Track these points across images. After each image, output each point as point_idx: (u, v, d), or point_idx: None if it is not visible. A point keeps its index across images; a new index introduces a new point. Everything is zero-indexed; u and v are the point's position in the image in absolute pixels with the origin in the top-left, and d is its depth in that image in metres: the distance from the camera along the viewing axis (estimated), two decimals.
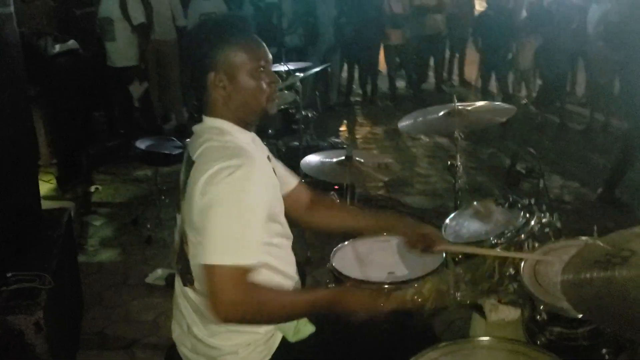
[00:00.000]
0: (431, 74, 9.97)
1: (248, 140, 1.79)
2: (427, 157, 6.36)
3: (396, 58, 9.14)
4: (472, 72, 9.74)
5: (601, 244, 1.65)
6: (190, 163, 1.70)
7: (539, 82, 7.96)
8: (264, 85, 1.75)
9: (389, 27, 8.58)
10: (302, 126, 4.32)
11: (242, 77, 1.72)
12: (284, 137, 4.33)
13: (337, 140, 4.46)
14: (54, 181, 5.29)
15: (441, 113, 2.75)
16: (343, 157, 2.63)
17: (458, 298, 2.33)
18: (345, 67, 9.12)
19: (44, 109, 5.35)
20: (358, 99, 9.19)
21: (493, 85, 8.48)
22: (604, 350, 1.86)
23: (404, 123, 2.80)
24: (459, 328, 2.42)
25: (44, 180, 5.09)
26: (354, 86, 9.23)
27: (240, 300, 1.54)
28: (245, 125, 1.78)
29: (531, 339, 1.98)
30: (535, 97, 7.83)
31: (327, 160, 2.70)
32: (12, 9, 2.76)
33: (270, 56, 1.81)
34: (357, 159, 2.61)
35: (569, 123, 7.39)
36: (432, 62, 9.78)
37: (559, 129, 7.22)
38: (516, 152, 2.41)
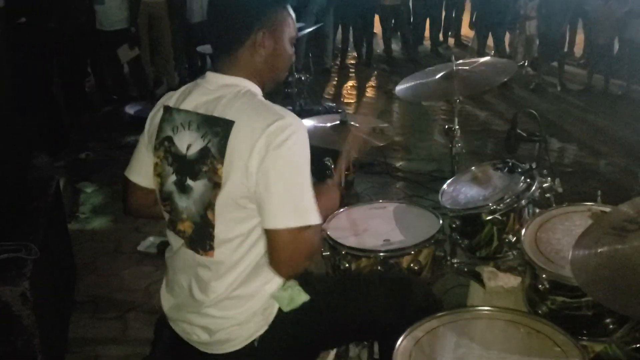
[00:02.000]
0: (427, 35, 9.79)
1: None
2: (423, 120, 6.27)
3: (391, 20, 8.96)
4: (470, 33, 9.58)
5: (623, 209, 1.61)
6: (224, 123, 1.57)
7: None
8: (290, 56, 1.72)
9: None
10: (296, 90, 4.22)
11: (284, 43, 1.68)
12: (277, 100, 4.21)
13: (331, 104, 4.35)
14: None
15: (438, 76, 2.64)
16: (337, 122, 2.54)
17: (455, 265, 2.30)
18: (340, 30, 8.95)
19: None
20: (353, 62, 9.03)
21: (490, 48, 8.33)
22: (607, 320, 1.80)
23: (400, 87, 2.70)
24: (457, 296, 2.37)
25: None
26: (349, 49, 9.07)
27: (306, 257, 1.60)
28: (262, 87, 1.70)
29: (532, 308, 1.92)
30: (534, 57, 7.71)
31: (320, 125, 2.60)
32: None
33: None
34: (351, 123, 2.52)
35: (568, 84, 7.29)
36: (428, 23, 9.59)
37: (557, 91, 7.12)
38: (516, 114, 2.32)
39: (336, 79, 8.15)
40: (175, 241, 1.74)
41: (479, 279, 2.16)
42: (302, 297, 1.74)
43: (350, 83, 8.10)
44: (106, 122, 6.21)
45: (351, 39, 8.94)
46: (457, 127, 2.61)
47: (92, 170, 5.07)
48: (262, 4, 1.65)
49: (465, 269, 2.24)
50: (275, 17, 1.65)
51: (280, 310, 1.72)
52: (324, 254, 2.23)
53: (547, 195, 2.22)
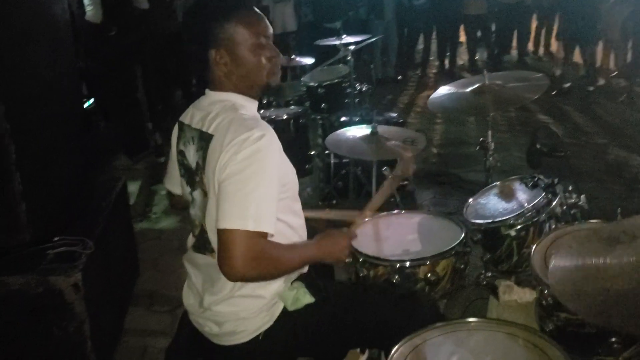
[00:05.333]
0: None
1: (253, 108, 1.83)
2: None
3: (477, 29, 8.84)
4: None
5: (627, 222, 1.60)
6: (207, 137, 1.73)
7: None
8: (264, 61, 1.77)
9: None
10: (357, 100, 4.31)
11: (242, 53, 1.74)
12: (337, 111, 4.33)
13: (393, 114, 4.39)
14: None
15: (469, 89, 2.65)
16: (368, 133, 2.61)
17: (475, 278, 2.31)
18: (422, 39, 8.94)
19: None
20: (435, 71, 8.99)
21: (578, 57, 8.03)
22: (612, 339, 1.77)
23: (433, 99, 2.73)
24: (479, 308, 2.37)
25: None
26: (431, 58, 9.03)
27: (251, 264, 1.59)
28: (254, 96, 1.83)
29: (541, 323, 1.91)
30: (625, 67, 7.37)
31: (352, 136, 2.68)
32: None
33: (271, 30, 1.82)
34: (382, 134, 2.58)
35: None
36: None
37: None
38: (535, 130, 2.29)
39: (414, 88, 8.14)
40: (190, 244, 1.90)
41: (495, 292, 2.16)
42: (307, 298, 1.83)
43: (426, 93, 8.07)
44: None
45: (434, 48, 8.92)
46: (491, 140, 2.60)
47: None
48: (204, 28, 1.73)
49: (484, 282, 2.24)
50: (225, 33, 1.72)
51: (285, 308, 1.82)
52: (346, 260, 2.31)
53: (573, 211, 2.19)
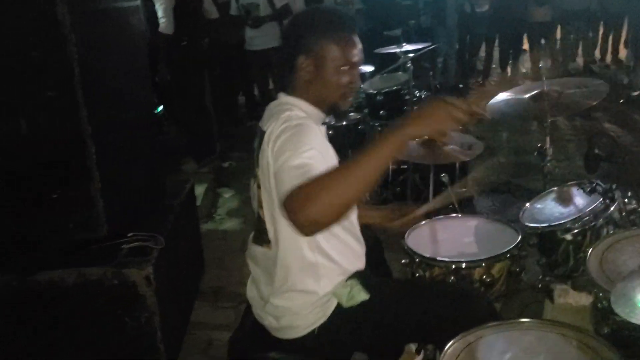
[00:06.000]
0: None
1: (317, 119, 1.92)
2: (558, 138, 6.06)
3: (540, 37, 8.71)
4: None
5: None
6: (261, 133, 1.86)
7: None
8: (343, 83, 1.87)
9: (533, 5, 8.21)
10: (414, 107, 4.36)
11: (327, 69, 1.85)
12: (395, 117, 4.40)
13: None
14: None
15: (528, 95, 2.68)
16: (425, 137, 2.67)
17: (532, 282, 2.34)
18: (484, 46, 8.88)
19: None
20: (496, 79, 8.90)
21: None
22: None
23: (492, 104, 2.77)
24: (534, 312, 2.39)
25: None
26: (493, 66, 8.96)
27: (310, 206, 1.41)
28: (325, 110, 1.94)
29: (596, 326, 1.93)
30: None
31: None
32: (139, 2, 3.13)
33: (361, 57, 1.92)
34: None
35: None
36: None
37: None
38: (592, 135, 2.30)
39: (467, 95, 8.09)
40: (251, 236, 2.03)
41: (550, 295, 2.18)
42: (362, 295, 1.92)
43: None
44: (251, 135, 6.70)
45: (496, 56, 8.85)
46: (549, 146, 2.62)
47: (232, 177, 5.58)
48: (306, 33, 1.85)
49: (540, 285, 2.27)
50: (318, 46, 1.83)
51: (338, 305, 1.92)
52: (402, 261, 2.39)
53: (632, 217, 2.19)
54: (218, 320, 3.32)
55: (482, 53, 9.00)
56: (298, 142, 1.68)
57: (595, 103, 2.42)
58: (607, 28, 9.40)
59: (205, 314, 3.39)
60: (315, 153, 1.64)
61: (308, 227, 1.44)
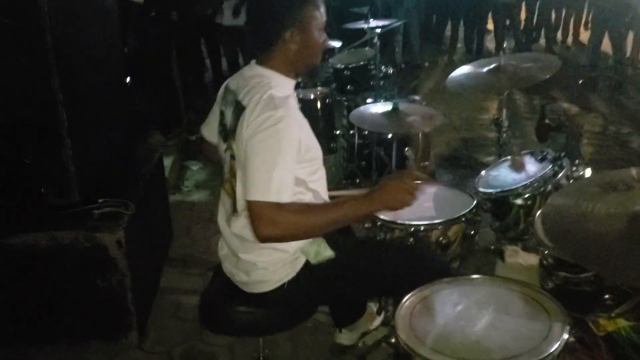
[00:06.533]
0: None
1: (291, 91, 2.03)
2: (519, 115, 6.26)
3: (505, 17, 8.90)
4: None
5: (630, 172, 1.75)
6: (240, 108, 1.94)
7: None
8: (324, 42, 2.01)
9: None
10: (382, 82, 4.48)
11: (312, 35, 1.96)
12: (362, 92, 4.51)
13: (417, 97, 4.56)
14: None
15: (486, 69, 2.82)
16: (389, 109, 2.80)
17: (486, 244, 2.50)
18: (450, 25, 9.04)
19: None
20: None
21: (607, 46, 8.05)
22: (606, 296, 1.94)
23: (452, 77, 2.90)
24: (487, 273, 2.56)
25: None
26: (459, 45, 9.13)
27: (275, 228, 1.80)
28: (295, 76, 2.04)
29: (542, 282, 2.10)
30: None
31: (375, 112, 2.87)
32: None
33: None
34: (402, 110, 2.77)
35: None
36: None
37: None
38: (544, 105, 2.46)
39: (439, 74, 8.26)
40: (223, 198, 2.12)
41: (502, 256, 2.34)
42: (328, 252, 2.05)
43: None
44: None
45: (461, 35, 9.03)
46: (504, 118, 2.77)
47: (199, 150, 5.61)
48: (288, 7, 1.93)
49: (492, 247, 2.43)
50: (302, 14, 1.92)
51: (307, 262, 2.04)
52: (365, 225, 2.52)
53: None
54: (186, 286, 3.42)
55: (448, 32, 9.16)
56: (278, 151, 1.82)
57: (548, 76, 2.57)
58: (568, 10, 9.66)
59: (174, 280, 3.49)
60: (286, 173, 1.84)
61: (264, 241, 1.84)
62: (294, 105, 1.96)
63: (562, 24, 9.78)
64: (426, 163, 4.36)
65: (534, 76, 2.64)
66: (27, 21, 2.56)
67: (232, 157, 1.99)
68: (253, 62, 2.05)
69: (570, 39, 9.87)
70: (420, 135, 3.98)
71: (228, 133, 2.02)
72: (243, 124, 1.89)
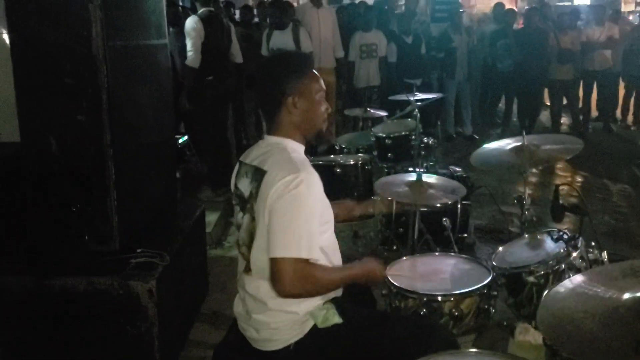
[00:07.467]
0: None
1: (303, 153, 2.21)
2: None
3: (562, 94, 8.90)
4: None
5: None
6: (261, 172, 2.11)
7: None
8: (325, 109, 2.20)
9: (555, 62, 8.44)
10: (423, 152, 4.59)
11: (313, 102, 2.16)
12: (402, 161, 4.64)
13: (457, 169, 4.64)
14: None
15: (509, 148, 2.89)
16: (414, 179, 2.90)
17: (500, 319, 2.51)
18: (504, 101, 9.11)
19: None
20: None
21: None
22: None
23: (476, 154, 2.98)
24: (501, 349, 2.55)
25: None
26: (514, 119, 9.15)
27: (299, 284, 2.00)
28: (303, 140, 2.21)
29: None
30: None
31: (399, 181, 2.97)
32: (166, 40, 3.47)
33: None
34: (426, 181, 2.86)
35: None
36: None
37: None
38: (557, 186, 2.49)
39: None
40: (239, 260, 2.26)
41: (513, 333, 2.35)
42: (336, 319, 2.13)
43: None
44: None
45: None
46: (527, 196, 2.82)
47: None
48: (286, 77, 2.13)
49: (505, 323, 2.44)
50: (301, 82, 2.13)
51: (315, 325, 2.13)
52: (382, 292, 2.59)
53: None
54: (214, 341, 3.46)
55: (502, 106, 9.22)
56: (305, 210, 2.00)
57: (568, 157, 2.62)
58: (628, 89, 9.58)
59: (203, 334, 3.59)
60: (313, 231, 2.03)
61: (288, 297, 2.05)
62: (311, 167, 2.11)
63: (620, 103, 9.69)
64: (464, 235, 4.38)
65: (555, 156, 2.69)
66: (87, 82, 2.84)
67: (253, 219, 2.13)
68: (265, 135, 2.23)
69: (630, 118, 9.74)
70: (459, 205, 4.04)
71: (246, 199, 2.16)
72: (267, 185, 2.03)
